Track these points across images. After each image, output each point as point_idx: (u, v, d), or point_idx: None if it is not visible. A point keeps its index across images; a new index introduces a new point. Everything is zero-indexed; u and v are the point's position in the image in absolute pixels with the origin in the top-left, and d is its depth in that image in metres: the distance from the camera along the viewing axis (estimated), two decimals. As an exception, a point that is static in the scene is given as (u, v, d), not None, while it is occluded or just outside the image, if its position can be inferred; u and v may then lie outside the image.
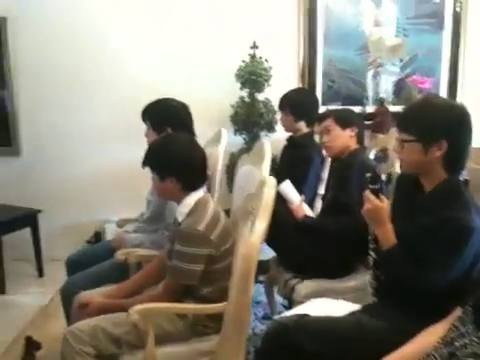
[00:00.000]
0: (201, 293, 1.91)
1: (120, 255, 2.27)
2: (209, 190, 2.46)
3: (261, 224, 1.28)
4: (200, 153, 1.99)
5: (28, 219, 3.65)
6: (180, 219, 1.93)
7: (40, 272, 3.71)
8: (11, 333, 2.87)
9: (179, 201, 1.95)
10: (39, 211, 3.68)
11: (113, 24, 3.71)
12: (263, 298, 3.07)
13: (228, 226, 1.95)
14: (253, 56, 3.58)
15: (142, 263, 2.30)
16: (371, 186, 1.69)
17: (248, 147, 3.60)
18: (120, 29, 3.71)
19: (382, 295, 1.79)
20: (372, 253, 1.77)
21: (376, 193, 1.68)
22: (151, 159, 1.96)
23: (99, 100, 3.79)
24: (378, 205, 1.67)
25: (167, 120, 2.41)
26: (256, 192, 1.55)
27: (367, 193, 1.69)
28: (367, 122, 3.45)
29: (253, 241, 1.25)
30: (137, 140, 2.54)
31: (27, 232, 3.64)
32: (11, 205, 3.72)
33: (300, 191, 2.62)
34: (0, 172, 3.88)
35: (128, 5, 3.71)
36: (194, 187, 1.95)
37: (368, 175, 1.71)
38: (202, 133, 2.59)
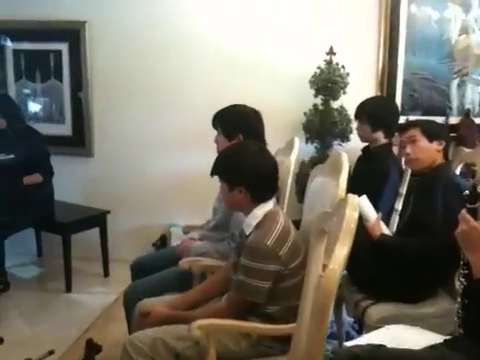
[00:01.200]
0: (267, 311, 1.80)
1: (184, 264, 2.21)
2: (278, 201, 2.36)
3: (341, 250, 1.13)
4: (271, 163, 1.88)
5: (97, 220, 3.70)
6: (247, 232, 1.83)
7: (106, 272, 3.75)
8: (74, 333, 2.90)
9: (247, 212, 1.85)
10: (108, 212, 3.71)
11: (186, 30, 3.69)
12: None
13: (298, 242, 1.82)
14: (329, 62, 3.43)
15: (206, 273, 2.22)
16: (469, 205, 1.50)
17: (319, 156, 3.46)
18: (192, 35, 3.68)
19: (471, 328, 1.59)
20: (462, 280, 1.58)
21: (473, 213, 1.49)
22: (220, 168, 1.87)
23: (170, 105, 3.79)
24: (476, 227, 1.47)
25: (239, 126, 2.33)
26: (334, 211, 1.40)
27: (463, 213, 1.50)
28: (451, 134, 3.21)
29: (332, 271, 1.10)
30: (207, 146, 2.47)
31: (95, 232, 3.69)
32: (82, 205, 3.80)
33: (375, 206, 2.44)
34: (74, 172, 3.97)
35: (201, 12, 3.68)
36: (263, 198, 1.84)
37: (466, 193, 1.53)
38: (273, 141, 2.48)
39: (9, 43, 3.87)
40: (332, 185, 1.86)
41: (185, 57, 3.71)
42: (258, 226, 1.80)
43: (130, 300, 2.22)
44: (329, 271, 1.14)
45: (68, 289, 3.47)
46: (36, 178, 3.35)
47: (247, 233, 1.83)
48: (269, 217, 1.81)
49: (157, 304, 1.98)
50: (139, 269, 2.54)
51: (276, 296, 1.77)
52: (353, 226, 1.22)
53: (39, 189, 3.37)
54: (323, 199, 1.88)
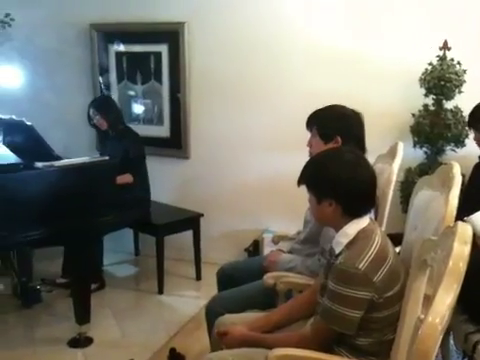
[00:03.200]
0: (357, 343, 1.57)
1: (269, 279, 2.05)
2: (376, 213, 2.11)
3: (445, 297, 0.90)
4: (368, 174, 1.64)
5: (191, 222, 3.66)
6: (337, 250, 1.61)
7: (198, 275, 3.71)
8: (161, 337, 2.88)
9: (337, 228, 1.64)
10: (201, 215, 3.67)
11: (282, 30, 3.51)
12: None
13: (397, 267, 1.56)
14: (443, 58, 3.07)
15: (292, 291, 2.05)
16: None
17: (429, 163, 3.12)
18: (288, 34, 3.50)
19: None
20: None
21: None
22: (307, 177, 1.67)
23: (266, 107, 3.65)
24: None
25: (336, 129, 2.11)
26: (440, 241, 1.14)
27: None
28: None
29: (431, 326, 0.88)
30: (305, 149, 2.28)
31: (189, 234, 3.66)
32: (177, 207, 3.80)
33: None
34: (171, 173, 3.99)
35: (297, 10, 3.47)
36: (357, 214, 1.61)
37: None
38: (375, 146, 2.24)
39: (119, 46, 3.96)
40: (440, 202, 1.58)
41: (280, 57, 3.54)
42: (349, 246, 1.58)
43: (211, 313, 2.11)
44: (428, 326, 0.91)
45: (160, 291, 3.48)
46: (127, 178, 3.39)
47: (337, 252, 1.61)
48: (363, 236, 1.58)
49: (238, 323, 1.84)
50: (225, 278, 2.45)
51: (368, 327, 1.54)
52: (462, 265, 0.97)
53: (132, 189, 3.41)
54: (428, 218, 1.61)
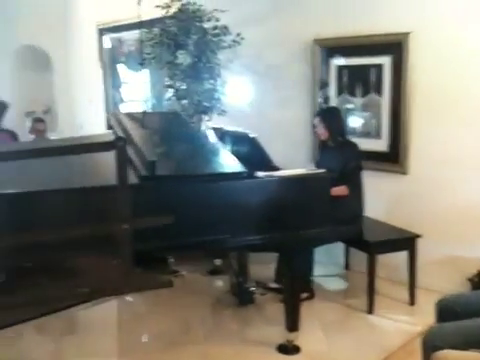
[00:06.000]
0: None
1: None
2: None
3: None
4: None
5: (407, 242, 3.45)
6: None
7: (411, 300, 3.47)
8: (370, 359, 2.76)
9: None
10: (418, 236, 3.43)
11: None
12: None
13: None
14: None
15: None
16: None
17: None
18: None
19: None
20: None
21: None
22: None
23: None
24: None
25: None
26: None
27: None
28: None
29: None
30: None
31: (403, 255, 3.45)
32: (391, 225, 3.63)
33: None
34: (386, 189, 3.83)
35: None
36: None
37: None
38: None
39: (339, 60, 4.00)
40: None
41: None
42: None
43: (429, 346, 1.94)
44: None
45: (370, 310, 3.36)
46: (342, 190, 3.35)
47: None
48: None
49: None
50: (446, 309, 2.22)
51: None
52: None
53: (347, 203, 3.36)
54: None
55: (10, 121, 5.58)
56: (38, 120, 5.55)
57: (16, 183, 2.44)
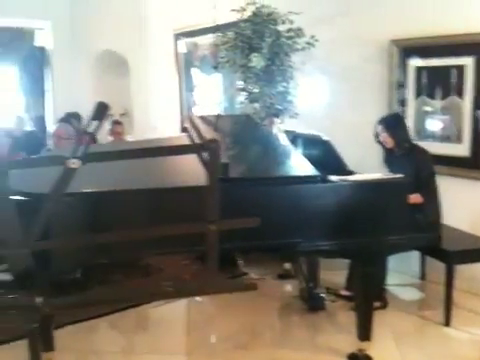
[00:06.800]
0: None
1: None
2: None
3: None
4: None
5: (485, 252, 3.27)
6: None
7: (492, 313, 3.28)
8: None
9: None
10: (500, 246, 3.24)
11: None
12: None
13: None
14: None
15: None
16: None
17: None
18: None
19: None
20: None
21: None
22: None
23: None
24: None
25: None
26: None
27: None
28: None
29: None
30: None
31: (481, 266, 3.28)
32: (471, 234, 3.44)
33: None
34: (467, 196, 3.62)
35: None
36: None
37: None
38: None
39: (418, 61, 3.85)
40: None
41: None
42: None
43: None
44: None
45: (447, 323, 3.20)
46: (416, 198, 3.21)
47: None
48: None
49: None
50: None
51: None
52: None
53: (423, 210, 3.21)
54: None
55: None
56: (117, 123, 5.77)
57: (102, 182, 2.54)
